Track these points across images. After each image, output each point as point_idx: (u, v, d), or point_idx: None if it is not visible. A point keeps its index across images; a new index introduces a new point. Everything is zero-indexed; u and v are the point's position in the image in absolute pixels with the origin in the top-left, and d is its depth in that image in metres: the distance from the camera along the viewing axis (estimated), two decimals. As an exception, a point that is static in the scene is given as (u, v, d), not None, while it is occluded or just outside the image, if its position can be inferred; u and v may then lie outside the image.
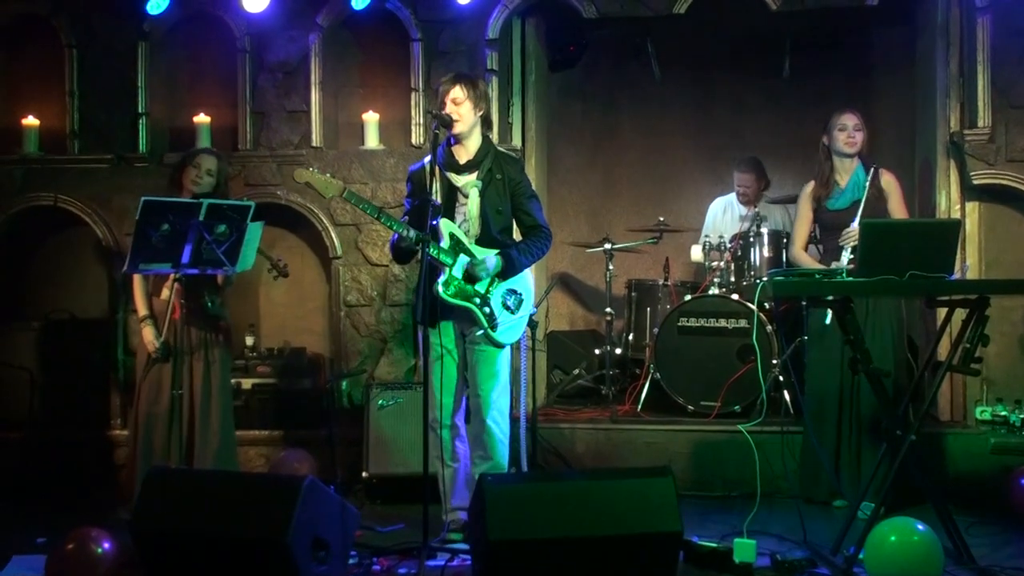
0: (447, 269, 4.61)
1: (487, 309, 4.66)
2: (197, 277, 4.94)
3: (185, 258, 4.71)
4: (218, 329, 5.30)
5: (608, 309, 6.53)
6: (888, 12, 6.14)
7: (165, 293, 5.12)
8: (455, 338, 4.75)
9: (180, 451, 4.97)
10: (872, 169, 5.25)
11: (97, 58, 6.51)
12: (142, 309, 5.25)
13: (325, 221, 6.38)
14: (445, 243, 4.60)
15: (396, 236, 4.62)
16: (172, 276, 4.94)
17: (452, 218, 4.68)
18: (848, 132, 5.29)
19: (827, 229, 5.42)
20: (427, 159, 4.70)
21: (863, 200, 5.18)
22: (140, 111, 6.47)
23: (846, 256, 5.14)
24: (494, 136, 5.83)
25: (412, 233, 4.52)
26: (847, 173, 5.34)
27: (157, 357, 5.14)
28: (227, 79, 6.52)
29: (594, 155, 8.10)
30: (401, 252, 4.74)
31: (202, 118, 6.42)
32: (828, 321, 5.09)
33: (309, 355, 6.46)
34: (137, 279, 5.25)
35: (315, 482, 3.94)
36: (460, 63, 6.24)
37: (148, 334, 5.18)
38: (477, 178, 4.69)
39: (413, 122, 6.37)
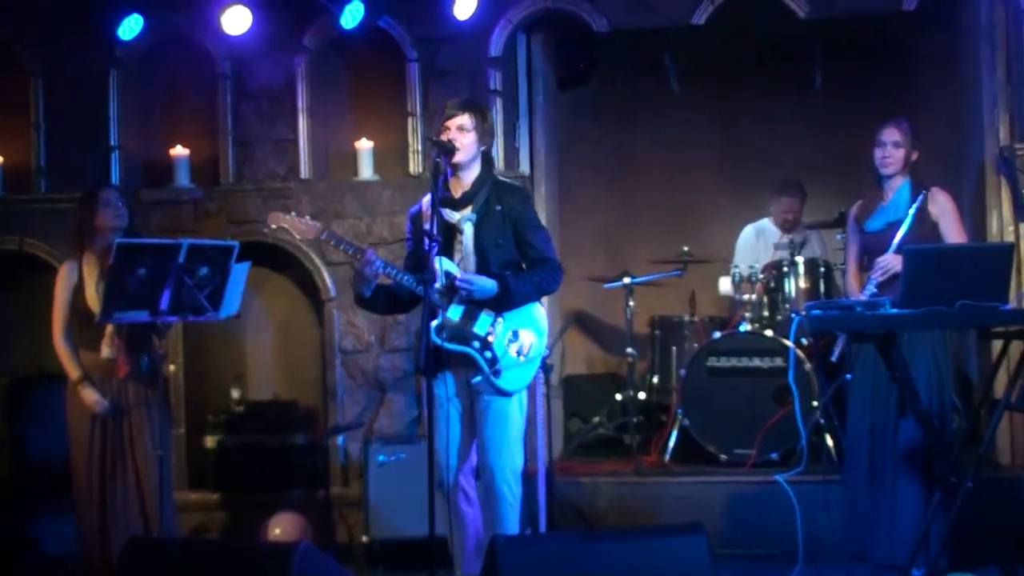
0: (441, 312, 4.61)
1: (488, 353, 4.64)
2: (135, 332, 4.96)
3: (164, 304, 4.72)
4: (156, 386, 5.18)
5: (629, 349, 6.52)
6: (927, 17, 6.17)
7: (105, 351, 5.07)
8: (459, 388, 4.73)
9: (140, 518, 4.99)
10: (921, 193, 5.06)
11: (65, 88, 6.57)
12: (74, 371, 5.08)
13: (316, 260, 6.39)
14: (440, 283, 4.59)
15: (356, 276, 4.61)
16: (111, 331, 4.98)
17: (451, 256, 4.68)
18: (884, 149, 5.12)
19: (868, 254, 5.24)
20: (425, 199, 4.72)
21: (906, 224, 5.02)
22: (112, 144, 6.52)
23: (869, 290, 4.99)
24: (500, 163, 5.84)
25: (406, 279, 4.53)
26: (892, 191, 5.17)
27: (105, 415, 5.04)
28: (206, 108, 6.58)
29: (610, 180, 8.13)
30: (366, 299, 4.66)
31: (179, 150, 6.48)
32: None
33: (301, 408, 6.47)
34: (58, 336, 5.14)
35: (310, 549, 3.93)
36: (461, 84, 6.29)
37: (89, 396, 5.04)
38: (472, 211, 4.69)
39: (410, 149, 6.40)
